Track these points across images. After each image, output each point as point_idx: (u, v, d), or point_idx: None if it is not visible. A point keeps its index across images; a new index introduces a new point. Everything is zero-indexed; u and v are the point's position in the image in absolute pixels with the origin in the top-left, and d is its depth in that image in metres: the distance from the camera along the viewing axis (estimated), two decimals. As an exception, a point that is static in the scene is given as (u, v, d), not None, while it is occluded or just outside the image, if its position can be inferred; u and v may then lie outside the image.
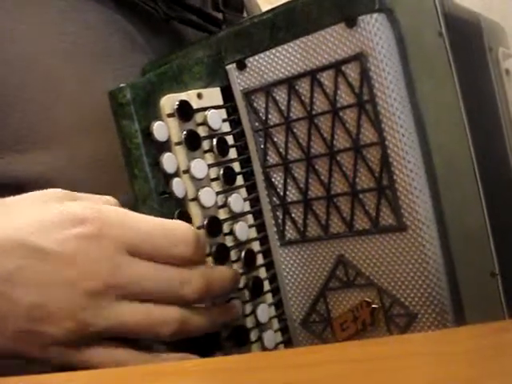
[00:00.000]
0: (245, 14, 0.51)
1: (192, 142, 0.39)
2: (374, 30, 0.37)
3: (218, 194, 0.40)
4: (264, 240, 0.42)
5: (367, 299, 0.39)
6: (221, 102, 0.42)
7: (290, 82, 0.40)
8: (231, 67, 0.42)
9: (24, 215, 0.35)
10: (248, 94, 0.41)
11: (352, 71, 0.37)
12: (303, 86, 0.39)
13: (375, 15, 0.37)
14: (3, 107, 0.42)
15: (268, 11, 0.40)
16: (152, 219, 0.37)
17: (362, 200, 0.39)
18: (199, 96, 0.40)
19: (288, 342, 0.43)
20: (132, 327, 0.35)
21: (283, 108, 0.40)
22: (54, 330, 0.34)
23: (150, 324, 0.36)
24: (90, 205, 0.36)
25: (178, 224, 0.37)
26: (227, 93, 0.42)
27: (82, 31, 0.45)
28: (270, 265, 0.42)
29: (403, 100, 0.37)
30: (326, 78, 0.38)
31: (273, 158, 0.41)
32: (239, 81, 0.41)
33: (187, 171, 0.39)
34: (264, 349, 0.41)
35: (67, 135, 0.43)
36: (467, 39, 0.46)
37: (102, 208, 0.36)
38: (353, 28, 0.37)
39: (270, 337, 0.41)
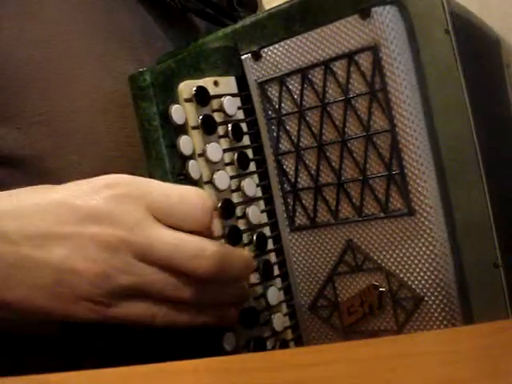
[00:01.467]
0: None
1: (208, 127, 0.41)
2: (386, 22, 0.38)
3: (231, 178, 0.41)
4: (274, 226, 0.44)
5: (375, 283, 0.41)
6: (236, 91, 0.43)
7: (303, 72, 0.41)
8: (246, 57, 0.43)
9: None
10: (262, 84, 0.43)
11: (364, 61, 0.39)
12: (316, 76, 0.41)
13: (388, 7, 0.38)
14: (24, 83, 0.43)
15: (283, 3, 0.42)
16: (178, 187, 0.39)
17: (372, 186, 0.40)
18: (215, 83, 0.42)
19: (296, 327, 0.44)
20: (153, 286, 0.37)
21: (296, 97, 0.42)
22: (81, 284, 0.36)
23: (168, 287, 0.37)
24: (122, 174, 0.38)
25: (202, 194, 0.39)
26: (242, 82, 0.43)
27: (105, 16, 0.46)
28: (279, 250, 0.44)
29: (413, 89, 0.38)
30: (339, 68, 0.40)
31: (285, 145, 0.43)
32: (254, 71, 0.43)
33: (202, 154, 0.40)
34: (273, 331, 0.42)
35: (85, 113, 0.44)
36: (480, 47, 0.47)
37: (132, 177, 0.38)
38: (366, 19, 0.39)
39: (279, 319, 0.42)
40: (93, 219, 0.36)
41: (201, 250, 0.37)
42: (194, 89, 0.40)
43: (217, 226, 0.40)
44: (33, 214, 0.37)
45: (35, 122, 0.43)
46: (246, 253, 0.40)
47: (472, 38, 0.47)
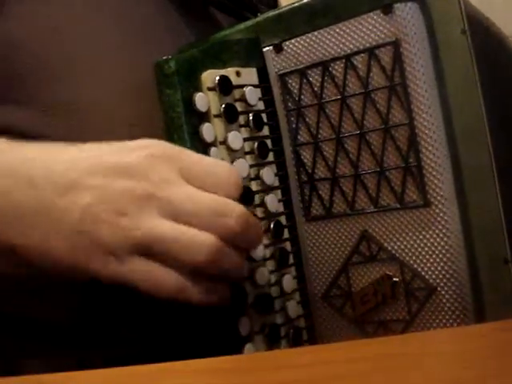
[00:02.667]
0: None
1: (230, 115, 0.41)
2: (408, 18, 0.39)
3: (250, 166, 0.42)
4: (290, 215, 0.44)
5: (388, 273, 0.41)
6: (257, 82, 0.44)
7: (324, 65, 0.42)
8: (268, 50, 0.44)
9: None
10: (283, 76, 0.44)
11: (385, 55, 0.40)
12: (337, 69, 0.42)
13: (410, 4, 0.39)
14: (51, 72, 0.44)
15: (307, -2, 0.43)
16: (209, 158, 0.40)
17: (389, 177, 0.41)
18: (238, 74, 0.43)
19: (308, 316, 0.44)
20: (168, 243, 0.36)
21: (316, 89, 0.43)
22: (102, 232, 0.36)
23: (186, 244, 0.36)
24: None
25: (232, 169, 0.40)
26: (262, 74, 0.44)
27: (127, 7, 0.47)
28: (294, 240, 0.44)
29: (432, 84, 0.39)
30: (360, 62, 0.41)
31: (303, 136, 0.44)
32: (275, 63, 0.44)
33: (224, 142, 0.41)
34: (287, 318, 0.43)
35: (104, 102, 0.45)
36: (495, 49, 0.48)
37: (164, 142, 0.39)
38: (388, 15, 0.40)
39: (293, 307, 0.43)
40: (123, 173, 0.37)
41: (229, 210, 0.37)
42: (218, 78, 0.41)
43: None
44: (62, 163, 0.37)
45: (54, 108, 0.44)
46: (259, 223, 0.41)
47: (486, 39, 0.48)
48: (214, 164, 0.39)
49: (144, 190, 0.36)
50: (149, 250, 0.37)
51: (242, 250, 0.39)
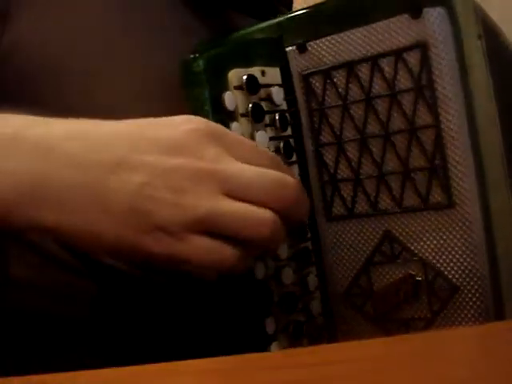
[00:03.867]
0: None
1: (257, 115, 0.41)
2: (436, 22, 0.40)
3: (276, 166, 0.42)
4: (311, 215, 0.45)
5: (411, 272, 0.42)
6: (280, 82, 0.44)
7: (350, 66, 0.42)
8: (291, 49, 0.44)
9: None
10: (306, 76, 0.44)
11: (413, 58, 0.41)
12: (363, 71, 0.42)
13: (438, 9, 0.40)
14: (61, 75, 0.43)
15: (332, -1, 0.43)
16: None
17: (413, 178, 0.41)
18: (263, 73, 0.43)
19: (329, 314, 0.45)
20: (230, 221, 0.36)
21: (341, 90, 0.43)
22: (159, 212, 0.35)
23: (248, 221, 0.36)
24: None
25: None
26: (286, 73, 0.44)
27: (142, 10, 0.46)
28: (315, 238, 0.45)
29: (458, 87, 0.40)
30: (387, 64, 0.41)
31: (326, 137, 0.44)
32: (298, 63, 0.44)
33: (251, 141, 0.41)
34: (310, 316, 0.43)
35: (121, 108, 0.44)
36: (499, 48, 0.50)
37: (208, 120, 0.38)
38: (417, 19, 0.40)
39: (317, 305, 0.43)
40: (174, 150, 0.36)
41: (287, 181, 0.37)
42: (245, 77, 0.41)
43: None
44: (105, 140, 0.36)
45: (66, 115, 0.43)
46: None
47: (496, 44, 0.49)
48: (254, 144, 0.39)
49: (198, 167, 0.35)
50: (210, 227, 0.36)
51: (292, 224, 0.39)
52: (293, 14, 0.45)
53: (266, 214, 0.36)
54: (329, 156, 0.44)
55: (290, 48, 0.44)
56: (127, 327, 0.47)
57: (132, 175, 0.35)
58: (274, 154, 0.41)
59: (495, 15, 0.56)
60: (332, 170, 0.44)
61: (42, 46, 0.43)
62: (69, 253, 0.46)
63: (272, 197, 0.37)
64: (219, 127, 0.38)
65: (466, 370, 0.27)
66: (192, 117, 0.38)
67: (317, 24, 0.43)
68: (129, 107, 0.44)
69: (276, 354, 0.39)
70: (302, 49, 0.44)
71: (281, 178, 0.37)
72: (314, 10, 0.44)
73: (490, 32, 0.48)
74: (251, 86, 0.41)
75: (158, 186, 0.35)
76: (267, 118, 0.42)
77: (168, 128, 0.37)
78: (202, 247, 0.36)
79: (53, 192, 0.35)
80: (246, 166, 0.37)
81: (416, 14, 0.40)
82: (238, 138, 0.39)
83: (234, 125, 0.40)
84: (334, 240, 0.44)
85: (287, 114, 0.44)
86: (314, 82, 0.44)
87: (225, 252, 0.36)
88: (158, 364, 0.31)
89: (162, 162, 0.35)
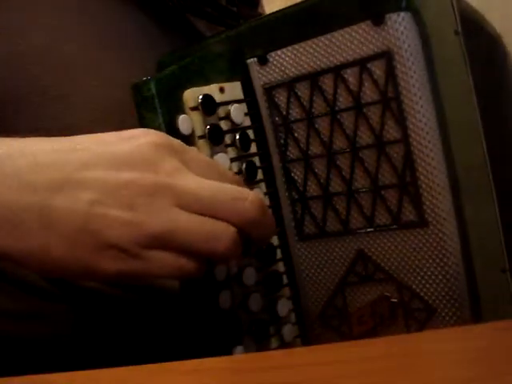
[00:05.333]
0: (259, 10, 0.51)
1: (215, 136, 0.39)
2: (400, 29, 0.37)
3: (239, 188, 0.40)
4: (282, 234, 0.43)
5: (386, 293, 0.40)
6: (242, 97, 0.42)
7: (312, 78, 0.40)
8: (252, 61, 0.42)
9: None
10: (269, 89, 0.41)
11: (377, 68, 0.38)
12: (326, 82, 0.40)
13: (402, 13, 0.37)
14: (20, 99, 0.41)
15: (292, 6, 0.40)
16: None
17: (384, 196, 0.39)
18: (221, 90, 0.40)
19: (305, 336, 0.43)
20: (186, 236, 0.34)
21: (305, 103, 0.40)
22: (111, 230, 0.33)
23: (205, 235, 0.35)
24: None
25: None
26: (247, 87, 0.42)
27: (98, 22, 0.44)
28: (287, 259, 0.43)
29: (427, 98, 0.37)
30: (351, 75, 0.39)
31: (293, 152, 0.42)
32: (260, 75, 0.42)
33: (210, 165, 0.39)
34: (283, 343, 0.41)
35: (84, 126, 0.43)
36: (488, 47, 0.46)
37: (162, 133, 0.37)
38: (379, 26, 0.37)
39: (289, 330, 0.42)
40: (127, 164, 0.34)
41: (244, 194, 0.36)
42: (200, 97, 0.39)
43: None
44: (52, 158, 0.34)
45: (35, 133, 0.41)
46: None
47: (477, 37, 0.46)
48: (215, 163, 0.38)
49: (152, 181, 0.34)
50: (165, 242, 0.34)
51: (256, 241, 0.38)
52: (252, 24, 0.42)
53: (221, 227, 0.35)
54: (297, 173, 0.42)
55: (251, 60, 0.42)
56: (106, 348, 0.47)
57: (80, 193, 0.33)
58: (235, 175, 0.39)
59: (495, 11, 0.52)
60: (301, 188, 0.42)
61: (7, 65, 0.42)
62: (45, 280, 0.46)
63: (229, 210, 0.35)
64: (178, 142, 0.36)
65: (465, 369, 0.27)
66: (148, 130, 0.36)
67: (277, 33, 0.41)
68: (97, 125, 0.43)
69: (276, 354, 0.38)
70: (262, 60, 0.41)
71: (238, 191, 0.36)
72: (273, 18, 0.41)
73: (472, 27, 0.45)
74: (207, 106, 0.39)
75: (109, 203, 0.33)
76: (228, 138, 0.40)
77: (121, 142, 0.35)
78: (157, 262, 0.35)
79: (0, 215, 0.33)
80: (203, 180, 0.35)
81: (378, 20, 0.37)
82: (197, 154, 0.37)
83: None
84: (307, 260, 0.42)
85: (252, 131, 0.42)
86: (277, 95, 0.41)
87: (181, 265, 0.35)
88: (158, 364, 0.31)
89: (113, 178, 0.34)
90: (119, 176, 0.34)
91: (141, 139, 0.35)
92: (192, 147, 0.38)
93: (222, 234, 0.35)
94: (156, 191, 0.34)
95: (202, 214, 0.35)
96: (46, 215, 0.33)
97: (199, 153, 0.38)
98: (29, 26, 0.42)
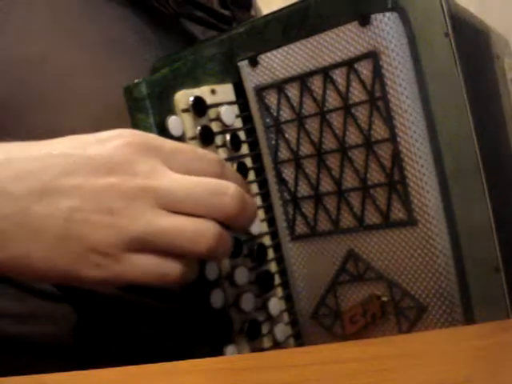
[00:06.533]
0: (252, 13, 0.52)
1: (206, 138, 0.40)
2: (386, 29, 0.37)
3: (230, 188, 0.41)
4: (275, 234, 0.43)
5: (377, 292, 0.40)
6: (233, 98, 0.42)
7: (302, 79, 0.40)
8: (243, 64, 0.42)
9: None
10: (260, 91, 0.42)
11: (364, 68, 0.38)
12: (315, 83, 0.40)
13: (388, 14, 0.37)
14: (19, 108, 0.42)
15: (281, 9, 0.41)
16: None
17: (373, 195, 0.39)
18: (213, 92, 0.41)
19: (298, 335, 0.43)
20: (168, 237, 0.34)
21: (295, 104, 0.41)
22: (92, 234, 0.33)
23: (187, 235, 0.34)
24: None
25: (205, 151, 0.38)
26: (239, 89, 0.43)
27: (94, 27, 0.45)
28: (280, 259, 0.43)
29: (414, 97, 0.38)
30: (339, 76, 0.39)
31: (284, 153, 0.42)
32: (251, 77, 0.42)
33: (201, 166, 0.40)
34: (275, 342, 0.42)
35: (83, 131, 0.44)
36: (475, 44, 0.47)
37: (141, 132, 0.37)
38: (366, 26, 0.38)
39: (281, 330, 0.42)
40: (104, 169, 0.34)
41: (224, 188, 0.35)
42: (191, 99, 0.40)
43: None
44: (30, 166, 0.34)
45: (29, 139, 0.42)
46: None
47: (468, 38, 0.46)
48: (193, 149, 0.37)
49: (130, 185, 0.34)
50: (148, 245, 0.34)
51: (237, 231, 0.37)
52: (244, 27, 0.42)
53: (203, 225, 0.35)
54: (288, 173, 0.42)
55: (242, 62, 0.42)
56: (105, 348, 0.47)
57: (60, 200, 0.33)
58: (216, 156, 0.39)
59: (494, 11, 0.53)
60: (292, 188, 0.42)
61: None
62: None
63: (210, 206, 0.35)
64: (154, 138, 0.36)
65: (462, 369, 0.27)
66: (124, 130, 0.36)
67: (266, 36, 0.41)
68: (92, 130, 0.44)
69: (275, 354, 0.38)
70: (253, 62, 0.42)
71: (217, 186, 0.36)
72: (263, 21, 0.42)
73: (463, 27, 0.45)
74: (198, 107, 0.40)
75: (89, 209, 0.34)
76: (219, 140, 0.41)
77: (98, 145, 0.35)
78: (140, 265, 0.34)
79: None
80: (181, 178, 0.35)
81: (364, 21, 0.38)
82: (175, 146, 0.37)
83: (182, 150, 0.39)
84: (299, 259, 0.43)
85: (242, 132, 0.42)
86: (267, 96, 0.42)
87: (165, 267, 0.35)
88: (158, 364, 0.32)
89: (91, 184, 0.34)
90: (97, 182, 0.34)
91: (117, 140, 0.35)
92: (169, 140, 0.37)
93: (205, 232, 0.35)
94: (135, 194, 0.34)
95: (183, 213, 0.35)
96: (27, 224, 0.33)
97: (178, 144, 0.37)
98: (28, 32, 0.43)
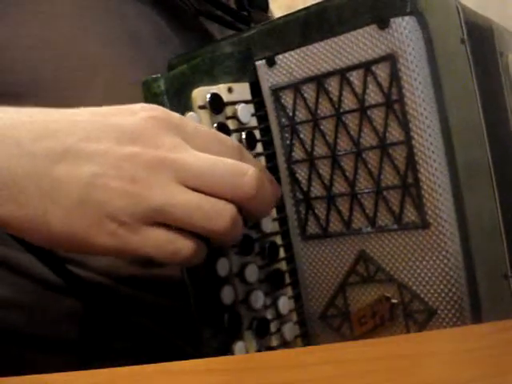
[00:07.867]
0: (269, 14, 0.52)
1: (222, 135, 0.40)
2: (405, 32, 0.38)
3: (244, 186, 0.41)
4: (285, 234, 0.43)
5: (387, 294, 0.40)
6: (249, 97, 0.43)
7: (319, 80, 0.41)
8: (260, 63, 0.42)
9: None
10: (276, 91, 0.42)
11: (382, 71, 0.38)
12: (332, 85, 0.40)
13: (407, 18, 0.38)
14: (38, 90, 0.43)
15: (300, 10, 0.41)
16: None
17: (386, 197, 0.40)
18: (229, 90, 0.41)
19: (306, 335, 0.43)
20: (185, 211, 0.34)
21: (311, 105, 0.41)
22: (111, 201, 0.33)
23: (204, 212, 0.35)
24: None
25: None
26: (255, 88, 0.43)
27: (116, 21, 0.46)
28: (290, 258, 0.43)
29: (430, 101, 0.38)
30: (356, 77, 0.39)
31: (298, 153, 0.42)
32: (268, 77, 0.42)
33: (216, 163, 0.40)
34: (283, 341, 0.42)
35: None
36: (485, 46, 0.47)
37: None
38: (384, 29, 0.38)
39: (290, 329, 0.42)
40: (129, 138, 0.34)
41: (244, 169, 0.35)
42: (209, 96, 0.40)
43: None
44: (53, 128, 0.34)
45: None
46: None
47: (479, 41, 0.46)
48: (215, 132, 0.37)
49: (153, 155, 0.34)
50: (164, 218, 0.34)
51: (252, 218, 0.37)
52: (262, 27, 0.43)
53: (221, 204, 0.35)
54: (301, 173, 0.42)
55: (260, 62, 0.43)
56: (112, 343, 0.47)
57: (82, 164, 0.33)
58: (237, 142, 0.39)
59: (494, 10, 0.53)
60: (305, 188, 0.42)
61: (15, 61, 0.43)
62: (51, 271, 0.46)
63: (228, 185, 0.35)
64: (178, 117, 0.37)
65: (467, 369, 0.27)
66: (152, 105, 0.36)
67: (285, 36, 0.42)
68: None
69: (276, 354, 0.38)
70: (270, 62, 0.42)
71: (238, 166, 0.36)
72: (282, 21, 0.42)
73: (478, 33, 0.46)
74: (215, 105, 0.40)
75: (110, 176, 0.33)
76: (235, 137, 0.41)
77: (125, 115, 0.35)
78: (154, 239, 0.34)
79: (1, 182, 0.33)
80: (202, 155, 0.35)
81: (383, 24, 0.38)
82: (197, 127, 0.37)
83: (197, 146, 0.39)
84: (310, 260, 0.43)
85: (257, 131, 0.43)
86: (284, 96, 0.42)
87: (178, 244, 0.35)
88: (158, 364, 0.31)
89: (115, 151, 0.34)
90: (121, 149, 0.34)
91: (142, 113, 0.35)
92: (191, 122, 0.37)
93: (221, 211, 0.35)
94: (157, 166, 0.34)
95: (201, 191, 0.35)
96: (47, 184, 0.33)
97: (198, 125, 0.38)
98: (49, 19, 0.44)
